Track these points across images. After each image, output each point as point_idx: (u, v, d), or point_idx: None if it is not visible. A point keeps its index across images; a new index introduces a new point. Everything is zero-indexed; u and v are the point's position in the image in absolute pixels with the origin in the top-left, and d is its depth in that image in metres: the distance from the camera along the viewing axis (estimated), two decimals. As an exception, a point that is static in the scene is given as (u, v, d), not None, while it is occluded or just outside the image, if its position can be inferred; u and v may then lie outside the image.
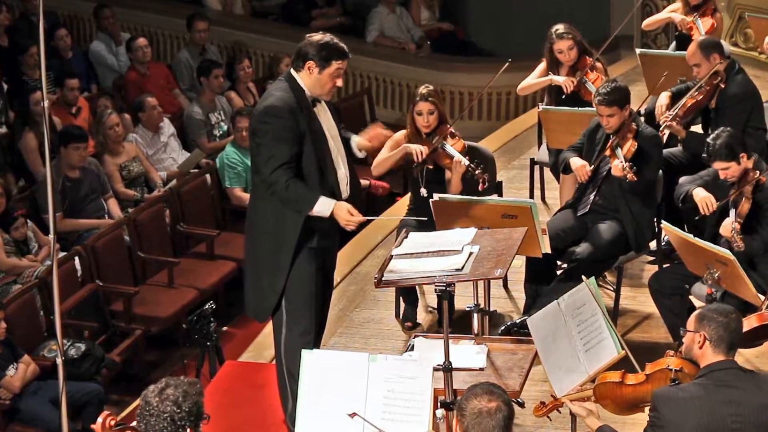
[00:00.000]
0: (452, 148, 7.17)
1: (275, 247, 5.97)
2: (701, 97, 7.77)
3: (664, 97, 8.03)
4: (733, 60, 8.04)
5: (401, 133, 7.33)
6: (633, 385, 5.02)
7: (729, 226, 6.50)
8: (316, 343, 6.07)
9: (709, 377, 4.76)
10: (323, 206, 5.88)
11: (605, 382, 5.06)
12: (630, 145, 7.02)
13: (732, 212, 6.57)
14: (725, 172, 6.66)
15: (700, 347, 4.80)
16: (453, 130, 7.24)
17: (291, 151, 5.84)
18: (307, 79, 5.90)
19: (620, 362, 5.27)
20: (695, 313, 4.96)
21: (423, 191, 7.21)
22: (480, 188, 7.08)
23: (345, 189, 6.06)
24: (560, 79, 8.23)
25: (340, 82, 5.95)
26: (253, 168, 6.09)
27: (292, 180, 5.83)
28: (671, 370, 4.91)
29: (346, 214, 5.89)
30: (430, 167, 7.23)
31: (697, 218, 6.94)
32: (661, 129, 7.69)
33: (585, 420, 5.04)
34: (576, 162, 7.24)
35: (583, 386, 5.17)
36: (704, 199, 6.80)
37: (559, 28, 8.27)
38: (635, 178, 6.85)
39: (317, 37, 5.94)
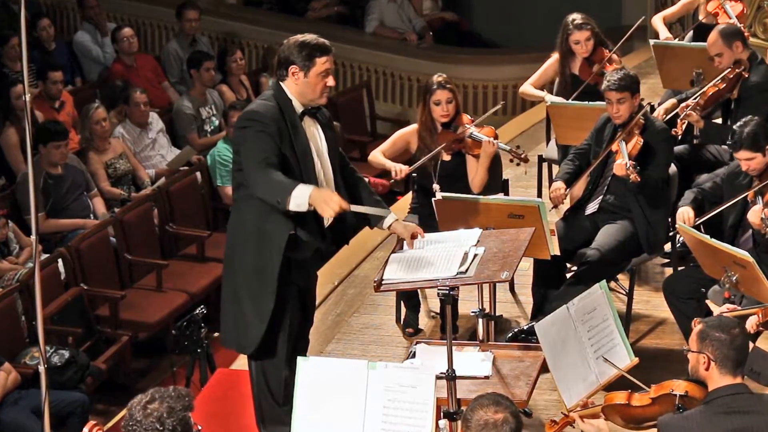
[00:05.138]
0: (480, 133, 7.11)
1: (258, 266, 5.73)
2: (723, 86, 7.75)
3: (668, 102, 8.05)
4: (755, 50, 8.05)
5: (411, 129, 7.30)
6: (640, 407, 4.97)
7: (758, 212, 6.43)
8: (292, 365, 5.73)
9: (715, 404, 4.64)
10: (300, 191, 5.47)
11: (612, 404, 5.03)
12: (636, 142, 7.01)
13: (759, 200, 6.53)
14: (749, 163, 6.58)
15: (706, 369, 4.69)
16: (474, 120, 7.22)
17: (273, 149, 5.59)
18: (294, 86, 5.72)
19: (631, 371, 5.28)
20: (695, 330, 4.81)
21: (435, 186, 7.12)
22: (520, 163, 7.23)
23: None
24: (549, 98, 8.23)
25: (331, 81, 5.74)
26: (234, 183, 5.88)
27: (270, 169, 5.54)
28: (675, 395, 4.81)
29: (328, 197, 5.47)
30: (447, 159, 7.19)
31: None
32: (680, 118, 7.68)
33: None
34: (554, 185, 7.21)
35: (592, 402, 5.14)
36: (682, 213, 6.79)
37: (576, 18, 8.20)
38: (638, 179, 6.84)
39: (293, 38, 5.76)
